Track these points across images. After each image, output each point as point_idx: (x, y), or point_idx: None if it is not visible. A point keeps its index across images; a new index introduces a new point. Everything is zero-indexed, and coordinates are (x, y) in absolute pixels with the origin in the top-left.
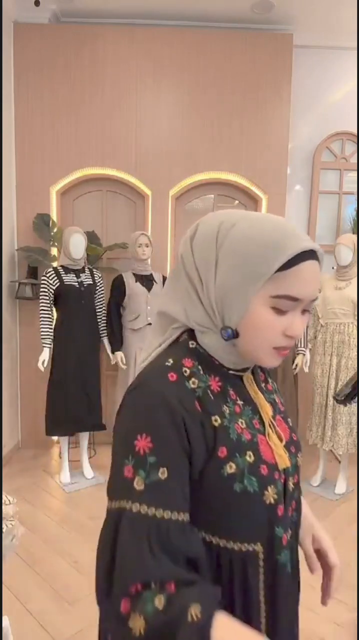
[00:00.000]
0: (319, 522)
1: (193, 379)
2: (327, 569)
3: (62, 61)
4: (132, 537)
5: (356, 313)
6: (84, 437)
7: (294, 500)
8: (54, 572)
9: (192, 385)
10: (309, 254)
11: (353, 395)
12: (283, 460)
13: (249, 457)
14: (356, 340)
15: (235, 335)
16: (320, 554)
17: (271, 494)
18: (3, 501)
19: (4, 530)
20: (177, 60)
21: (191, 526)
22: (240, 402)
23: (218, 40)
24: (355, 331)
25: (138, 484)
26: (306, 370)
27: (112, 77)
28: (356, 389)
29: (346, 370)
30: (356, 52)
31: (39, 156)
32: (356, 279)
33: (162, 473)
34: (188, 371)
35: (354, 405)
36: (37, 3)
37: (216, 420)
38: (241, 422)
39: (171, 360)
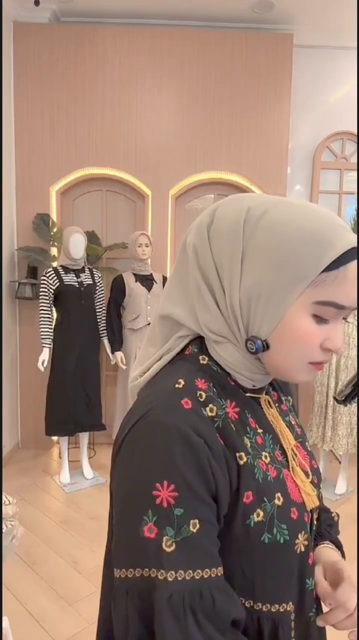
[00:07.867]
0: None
1: (210, 405)
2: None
3: (62, 61)
4: (173, 614)
5: (356, 313)
6: (84, 437)
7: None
8: (54, 572)
9: (210, 414)
10: (354, 252)
11: (353, 396)
12: (311, 499)
13: (278, 500)
14: (356, 340)
15: (265, 347)
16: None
17: (301, 542)
18: (3, 501)
19: (4, 530)
20: (177, 60)
21: (225, 581)
22: (260, 431)
23: (218, 40)
24: (355, 331)
25: (167, 545)
26: None
27: (112, 77)
28: (356, 389)
29: (346, 370)
30: (356, 52)
31: (39, 156)
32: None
33: (194, 526)
34: (204, 395)
35: (354, 406)
36: (37, 3)
37: (240, 458)
38: (265, 456)
39: (181, 382)
